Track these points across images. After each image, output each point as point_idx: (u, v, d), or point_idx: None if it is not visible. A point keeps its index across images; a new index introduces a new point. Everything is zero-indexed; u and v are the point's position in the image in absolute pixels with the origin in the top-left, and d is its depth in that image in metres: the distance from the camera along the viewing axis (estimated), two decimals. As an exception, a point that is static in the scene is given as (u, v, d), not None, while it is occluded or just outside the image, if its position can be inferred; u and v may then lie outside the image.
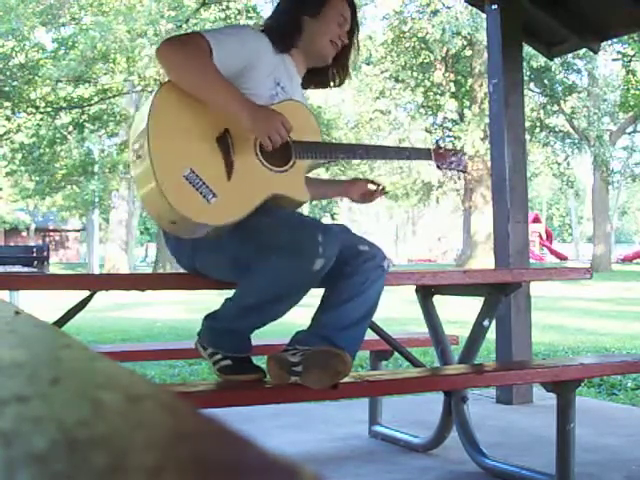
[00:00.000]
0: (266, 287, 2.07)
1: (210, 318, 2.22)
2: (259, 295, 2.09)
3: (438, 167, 2.63)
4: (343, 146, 2.55)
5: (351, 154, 2.57)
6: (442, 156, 2.62)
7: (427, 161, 2.61)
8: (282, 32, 2.34)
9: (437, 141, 2.66)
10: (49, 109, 21.87)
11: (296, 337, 2.17)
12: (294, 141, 2.24)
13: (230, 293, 2.20)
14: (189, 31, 19.04)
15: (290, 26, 2.36)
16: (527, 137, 13.30)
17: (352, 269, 2.18)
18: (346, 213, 45.84)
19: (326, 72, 2.51)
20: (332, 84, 2.59)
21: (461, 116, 22.79)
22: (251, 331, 2.21)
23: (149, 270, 25.74)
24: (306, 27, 2.38)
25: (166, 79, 2.17)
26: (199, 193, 2.05)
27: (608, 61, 25.56)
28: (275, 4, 2.50)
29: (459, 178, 23.04)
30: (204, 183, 2.05)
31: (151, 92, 2.51)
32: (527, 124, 19.00)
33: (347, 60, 2.52)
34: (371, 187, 2.58)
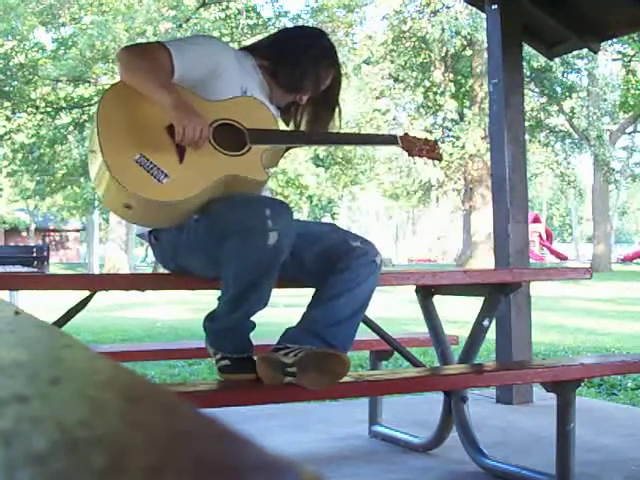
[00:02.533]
0: (237, 274, 2.08)
1: (208, 319, 2.23)
2: (235, 284, 2.09)
3: (409, 153, 2.62)
4: (299, 133, 2.55)
5: (308, 140, 2.60)
6: (411, 143, 2.62)
7: (395, 146, 2.60)
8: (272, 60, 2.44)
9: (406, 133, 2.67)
10: (49, 109, 21.86)
11: (285, 334, 2.16)
12: (248, 129, 2.27)
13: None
14: (189, 31, 19.11)
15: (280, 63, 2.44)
16: (527, 137, 13.32)
17: (344, 265, 2.17)
18: (346, 213, 45.85)
19: (288, 114, 2.57)
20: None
21: (461, 116, 22.79)
22: (247, 325, 2.20)
23: (149, 270, 25.74)
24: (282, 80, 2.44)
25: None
26: (150, 174, 2.08)
27: (608, 61, 25.56)
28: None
29: (459, 179, 23.05)
30: (155, 165, 2.09)
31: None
32: (527, 124, 19.01)
33: (324, 129, 2.53)
34: None
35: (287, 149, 2.52)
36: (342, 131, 2.67)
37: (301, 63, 2.42)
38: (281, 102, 2.50)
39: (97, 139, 2.07)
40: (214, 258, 2.13)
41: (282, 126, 2.52)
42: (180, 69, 2.19)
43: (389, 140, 2.67)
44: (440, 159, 2.70)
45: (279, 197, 23.50)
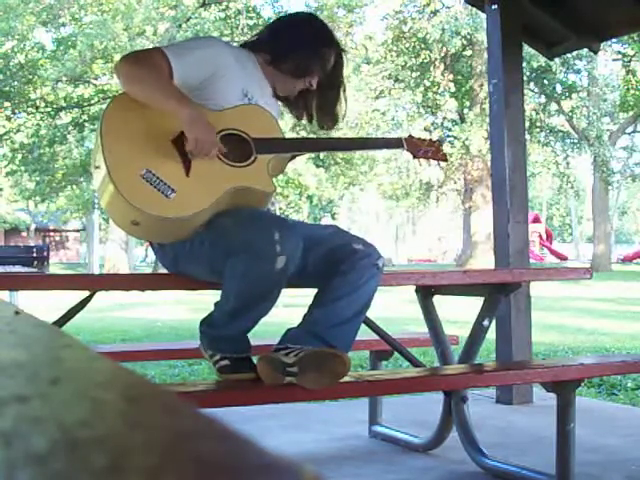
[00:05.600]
0: (240, 290, 2.08)
1: (205, 325, 2.23)
2: (237, 299, 2.10)
3: (414, 156, 2.62)
4: (304, 140, 2.55)
5: (313, 147, 2.60)
6: (416, 145, 2.62)
7: (401, 150, 2.61)
8: (273, 51, 2.43)
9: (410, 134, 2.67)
10: (49, 109, 21.86)
11: (287, 335, 2.16)
12: (253, 138, 2.25)
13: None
14: (189, 31, 19.11)
15: (279, 52, 2.43)
16: (527, 137, 13.30)
17: (347, 267, 2.18)
18: (346, 213, 45.84)
19: (298, 107, 2.57)
20: (321, 128, 2.64)
21: (461, 116, 22.76)
22: (246, 332, 2.21)
23: (149, 270, 25.73)
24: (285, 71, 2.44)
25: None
26: (157, 190, 2.06)
27: (608, 61, 25.56)
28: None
29: (459, 179, 23.04)
30: (162, 180, 2.07)
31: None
32: (527, 124, 18.98)
33: (332, 109, 2.54)
34: None
35: (292, 157, 2.52)
36: (344, 130, 2.67)
37: (301, 48, 2.42)
38: (292, 92, 2.49)
39: (102, 154, 2.04)
40: (217, 271, 2.13)
41: (291, 127, 2.52)
42: (178, 75, 2.18)
43: (395, 144, 2.67)
44: (445, 160, 2.70)
45: (279, 197, 23.52)
